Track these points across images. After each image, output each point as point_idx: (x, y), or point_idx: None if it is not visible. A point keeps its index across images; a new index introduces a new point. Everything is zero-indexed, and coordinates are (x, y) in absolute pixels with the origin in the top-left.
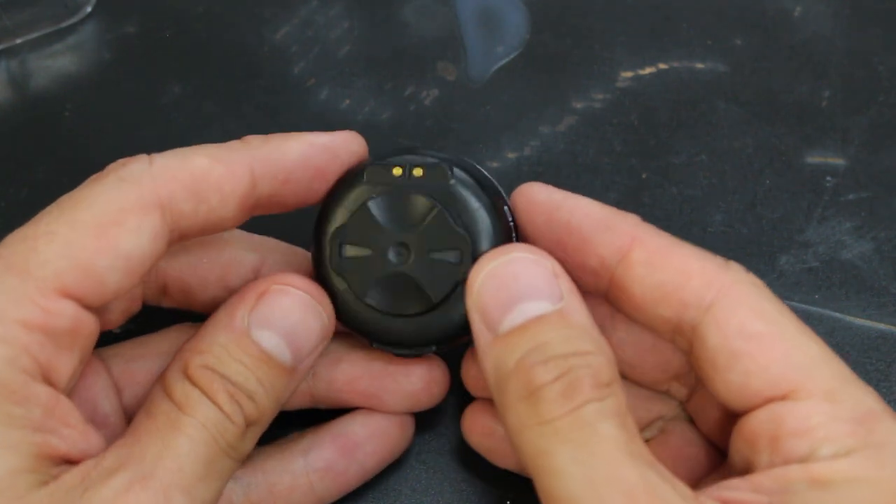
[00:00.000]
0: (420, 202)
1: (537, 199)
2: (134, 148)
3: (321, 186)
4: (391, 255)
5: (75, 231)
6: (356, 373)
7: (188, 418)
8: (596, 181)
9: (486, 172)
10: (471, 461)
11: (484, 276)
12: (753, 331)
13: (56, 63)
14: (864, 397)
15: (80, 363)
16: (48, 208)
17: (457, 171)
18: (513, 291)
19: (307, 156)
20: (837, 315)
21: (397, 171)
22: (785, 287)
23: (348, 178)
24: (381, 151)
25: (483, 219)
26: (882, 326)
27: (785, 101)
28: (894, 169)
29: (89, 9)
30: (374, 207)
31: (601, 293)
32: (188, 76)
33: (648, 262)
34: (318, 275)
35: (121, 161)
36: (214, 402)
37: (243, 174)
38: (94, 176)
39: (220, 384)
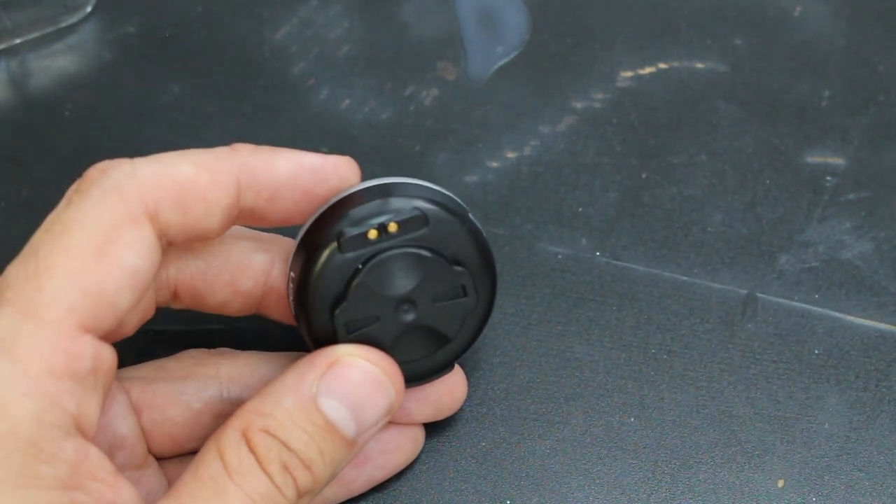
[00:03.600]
0: (410, 259)
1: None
2: (134, 148)
3: (306, 207)
4: (400, 315)
5: (74, 259)
6: None
7: (235, 488)
8: (596, 181)
9: (442, 190)
10: (471, 461)
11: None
12: None
13: (56, 63)
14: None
15: (104, 398)
16: (38, 235)
17: (427, 209)
18: None
19: (295, 175)
20: (837, 315)
21: (373, 234)
22: (785, 287)
23: (324, 241)
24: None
25: (470, 245)
26: (882, 326)
27: (785, 101)
28: (894, 169)
29: (89, 9)
30: (370, 281)
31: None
32: (188, 76)
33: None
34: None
35: (100, 167)
36: (267, 474)
37: (229, 184)
38: (73, 187)
39: (276, 453)
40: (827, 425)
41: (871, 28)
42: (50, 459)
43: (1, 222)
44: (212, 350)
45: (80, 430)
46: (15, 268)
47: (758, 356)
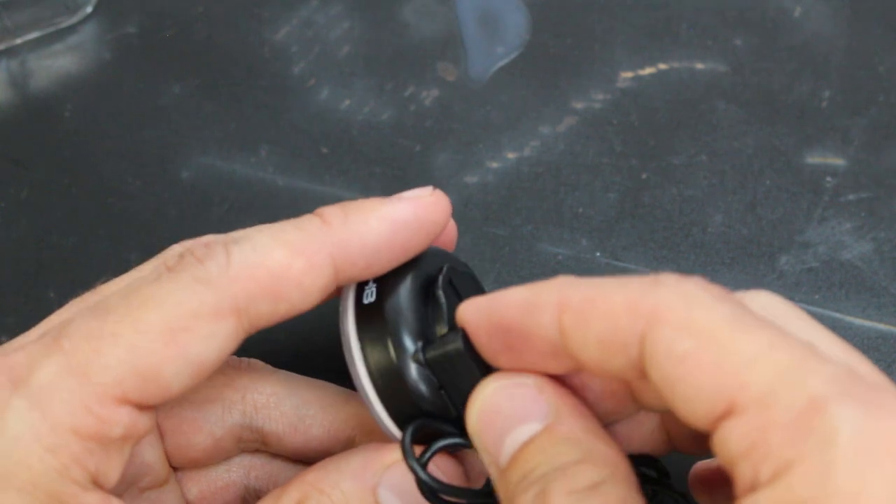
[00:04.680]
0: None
1: (469, 316)
2: (134, 148)
3: (402, 260)
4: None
5: (141, 335)
6: None
7: None
8: (596, 181)
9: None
10: None
11: (474, 418)
12: (681, 351)
13: (56, 63)
14: (809, 381)
15: (131, 456)
16: (116, 298)
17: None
18: (499, 424)
19: (391, 236)
20: (837, 315)
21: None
22: (785, 287)
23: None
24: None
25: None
26: (882, 326)
27: (785, 101)
28: (894, 169)
29: (89, 9)
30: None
31: (572, 371)
32: (188, 76)
33: (578, 322)
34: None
35: (198, 255)
36: None
37: (324, 266)
38: (165, 265)
39: None
40: None
41: (871, 28)
42: None
43: (1, 222)
44: (241, 365)
45: (98, 485)
46: (82, 319)
47: None
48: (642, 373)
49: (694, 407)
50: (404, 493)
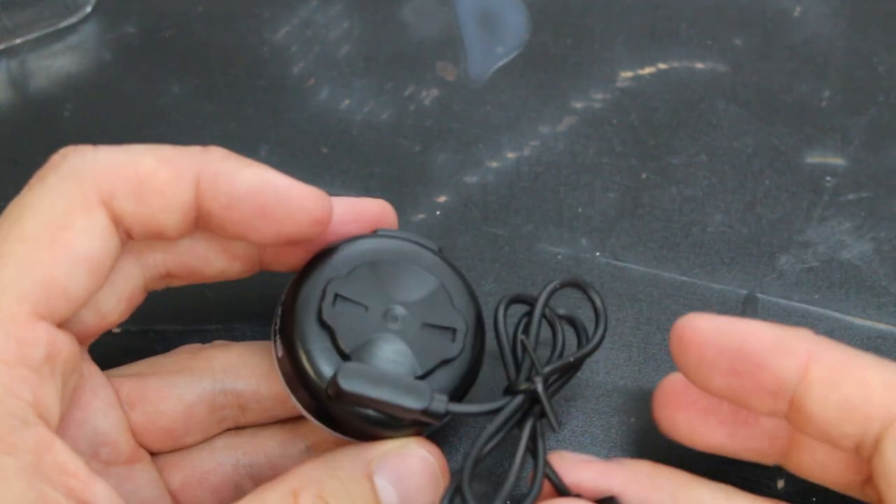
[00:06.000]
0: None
1: (703, 328)
2: None
3: (264, 228)
4: (386, 321)
5: (27, 245)
6: None
7: None
8: (596, 181)
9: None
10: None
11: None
12: None
13: (56, 63)
14: None
15: (67, 388)
16: (0, 219)
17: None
18: None
19: (256, 190)
20: (837, 315)
21: None
22: (785, 287)
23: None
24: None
25: (471, 304)
26: (882, 326)
27: (785, 101)
28: (894, 169)
29: (89, 9)
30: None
31: (780, 415)
32: (188, 76)
33: (828, 379)
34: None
35: (62, 152)
36: None
37: (189, 183)
38: (37, 173)
39: None
40: None
41: (871, 28)
42: (11, 450)
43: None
44: (207, 344)
45: (42, 418)
46: None
47: None
48: (860, 446)
49: None
50: (399, 481)
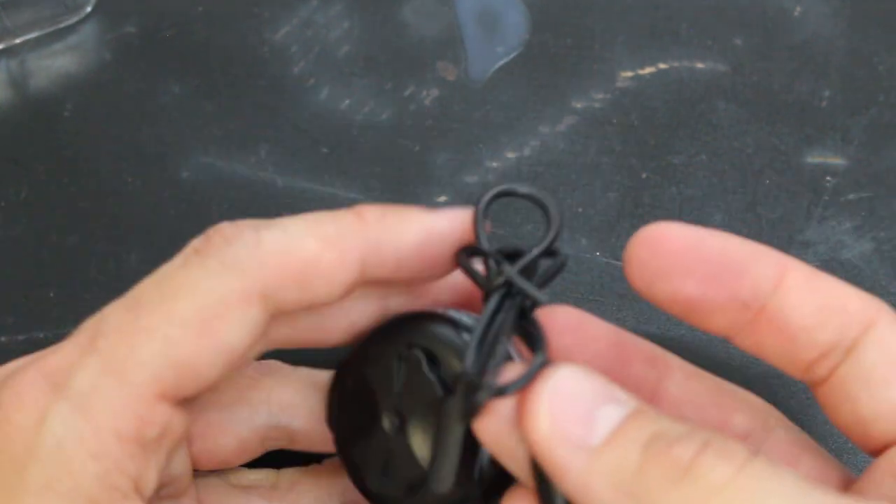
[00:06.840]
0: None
1: (680, 235)
2: (134, 148)
3: (432, 274)
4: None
5: (175, 327)
6: None
7: None
8: (596, 181)
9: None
10: None
11: (544, 405)
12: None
13: (56, 63)
14: None
15: (168, 460)
16: (147, 287)
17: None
18: (585, 404)
19: (423, 247)
20: None
21: None
22: None
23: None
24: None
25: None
26: None
27: (785, 101)
28: (894, 169)
29: (89, 9)
30: None
31: (736, 330)
32: (188, 76)
33: (806, 286)
34: None
35: (226, 234)
36: None
37: (353, 262)
38: (194, 246)
39: None
40: (828, 425)
41: (871, 28)
42: None
43: (1, 222)
44: (262, 367)
45: (138, 492)
46: (115, 315)
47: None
48: (823, 357)
49: (877, 426)
50: None
